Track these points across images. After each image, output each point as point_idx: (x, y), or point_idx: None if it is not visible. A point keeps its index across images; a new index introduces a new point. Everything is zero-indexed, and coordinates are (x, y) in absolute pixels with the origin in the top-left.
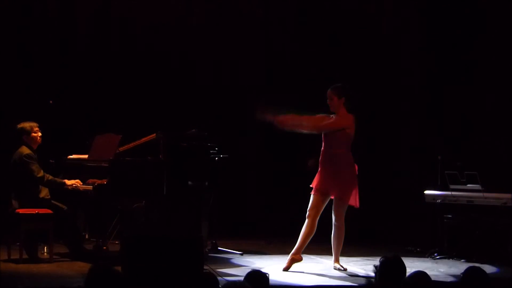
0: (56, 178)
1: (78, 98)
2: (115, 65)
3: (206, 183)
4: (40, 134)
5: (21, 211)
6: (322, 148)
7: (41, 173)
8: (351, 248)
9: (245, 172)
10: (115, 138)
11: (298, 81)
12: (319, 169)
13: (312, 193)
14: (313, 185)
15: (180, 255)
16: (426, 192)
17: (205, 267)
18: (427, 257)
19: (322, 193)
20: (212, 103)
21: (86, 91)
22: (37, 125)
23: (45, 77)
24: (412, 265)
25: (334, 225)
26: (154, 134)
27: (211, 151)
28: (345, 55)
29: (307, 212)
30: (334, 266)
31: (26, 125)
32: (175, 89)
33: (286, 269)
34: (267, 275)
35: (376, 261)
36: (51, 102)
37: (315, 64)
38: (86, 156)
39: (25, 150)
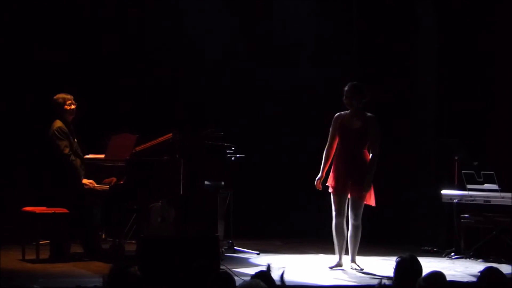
0: (81, 167)
1: (94, 97)
2: (131, 63)
3: (223, 183)
4: (74, 106)
5: (37, 209)
6: (339, 146)
7: (67, 151)
8: (367, 247)
9: (262, 171)
10: (131, 138)
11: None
12: (335, 167)
13: (332, 192)
14: (329, 183)
15: (196, 255)
16: (443, 192)
17: (222, 266)
18: (444, 257)
19: (339, 192)
20: (230, 101)
21: (102, 89)
22: (72, 97)
23: (59, 74)
24: (428, 265)
25: (352, 224)
26: (171, 134)
27: (228, 151)
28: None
29: (336, 213)
30: (351, 266)
31: (60, 97)
32: (192, 88)
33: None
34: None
35: (393, 261)
36: None
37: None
38: (102, 156)
39: (57, 123)
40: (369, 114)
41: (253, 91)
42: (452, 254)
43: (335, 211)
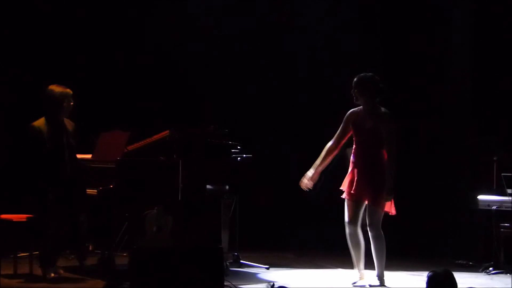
0: None
1: (80, 88)
2: (122, 54)
3: (227, 187)
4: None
5: (14, 217)
6: (355, 147)
7: None
8: (392, 261)
9: (272, 174)
10: (123, 136)
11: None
12: (350, 170)
13: (346, 197)
14: (343, 188)
15: (197, 269)
16: (480, 197)
17: (226, 282)
18: (481, 272)
19: (355, 198)
20: (235, 95)
21: (89, 83)
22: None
23: (44, 68)
24: (463, 281)
25: (371, 236)
26: (168, 131)
27: (233, 150)
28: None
29: (348, 220)
30: (377, 282)
31: (58, 91)
32: (193, 79)
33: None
34: None
35: (423, 276)
36: None
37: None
38: (89, 156)
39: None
40: (383, 109)
41: (262, 84)
42: (491, 268)
43: (348, 218)
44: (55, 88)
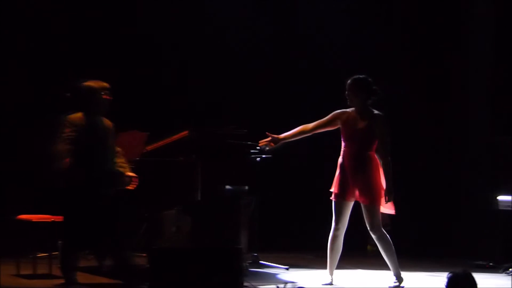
0: None
1: None
2: (140, 51)
3: (246, 188)
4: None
5: (33, 217)
6: (344, 149)
7: None
8: (411, 262)
9: (291, 174)
10: (141, 136)
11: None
12: (339, 172)
13: (333, 199)
14: (332, 189)
15: (216, 270)
16: (500, 198)
17: (245, 283)
18: (501, 273)
19: (341, 199)
20: (254, 96)
21: (107, 82)
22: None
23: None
24: (483, 282)
25: (376, 238)
26: (187, 131)
27: (252, 151)
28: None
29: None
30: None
31: (92, 84)
32: (212, 80)
33: None
34: None
35: (442, 277)
36: (68, 95)
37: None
38: None
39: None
40: (376, 111)
41: (281, 85)
42: (511, 269)
43: (338, 221)
44: (88, 83)
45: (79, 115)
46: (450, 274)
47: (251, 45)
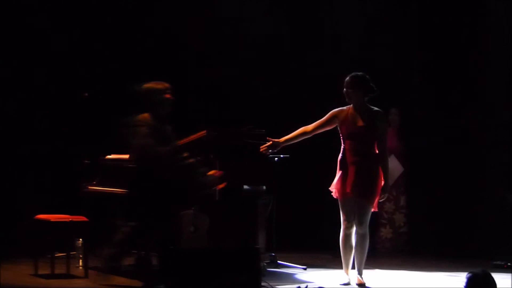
0: None
1: (116, 90)
2: (157, 53)
3: (264, 188)
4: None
5: (51, 217)
6: (347, 146)
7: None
8: (428, 262)
9: (309, 174)
10: None
11: None
12: (342, 170)
13: (337, 197)
14: (334, 187)
15: (234, 270)
16: None
17: (263, 283)
18: None
19: (346, 196)
20: (272, 96)
21: (125, 81)
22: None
23: (78, 66)
24: (502, 282)
25: (358, 233)
26: (205, 131)
27: (270, 150)
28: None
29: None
30: (357, 281)
31: (152, 85)
32: (230, 80)
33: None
34: None
35: (461, 277)
36: (86, 95)
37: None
38: (127, 156)
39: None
40: (375, 108)
41: (300, 85)
42: None
43: (347, 218)
44: (151, 85)
45: (146, 115)
46: (469, 274)
47: (270, 42)
